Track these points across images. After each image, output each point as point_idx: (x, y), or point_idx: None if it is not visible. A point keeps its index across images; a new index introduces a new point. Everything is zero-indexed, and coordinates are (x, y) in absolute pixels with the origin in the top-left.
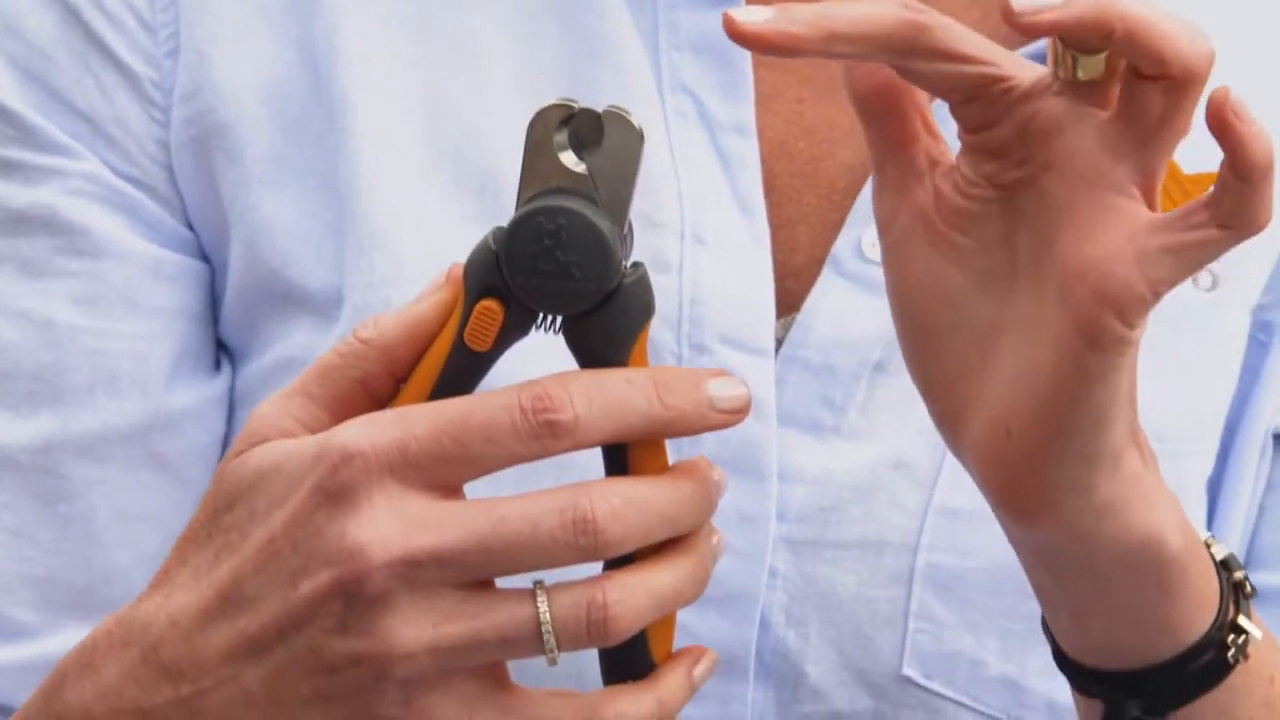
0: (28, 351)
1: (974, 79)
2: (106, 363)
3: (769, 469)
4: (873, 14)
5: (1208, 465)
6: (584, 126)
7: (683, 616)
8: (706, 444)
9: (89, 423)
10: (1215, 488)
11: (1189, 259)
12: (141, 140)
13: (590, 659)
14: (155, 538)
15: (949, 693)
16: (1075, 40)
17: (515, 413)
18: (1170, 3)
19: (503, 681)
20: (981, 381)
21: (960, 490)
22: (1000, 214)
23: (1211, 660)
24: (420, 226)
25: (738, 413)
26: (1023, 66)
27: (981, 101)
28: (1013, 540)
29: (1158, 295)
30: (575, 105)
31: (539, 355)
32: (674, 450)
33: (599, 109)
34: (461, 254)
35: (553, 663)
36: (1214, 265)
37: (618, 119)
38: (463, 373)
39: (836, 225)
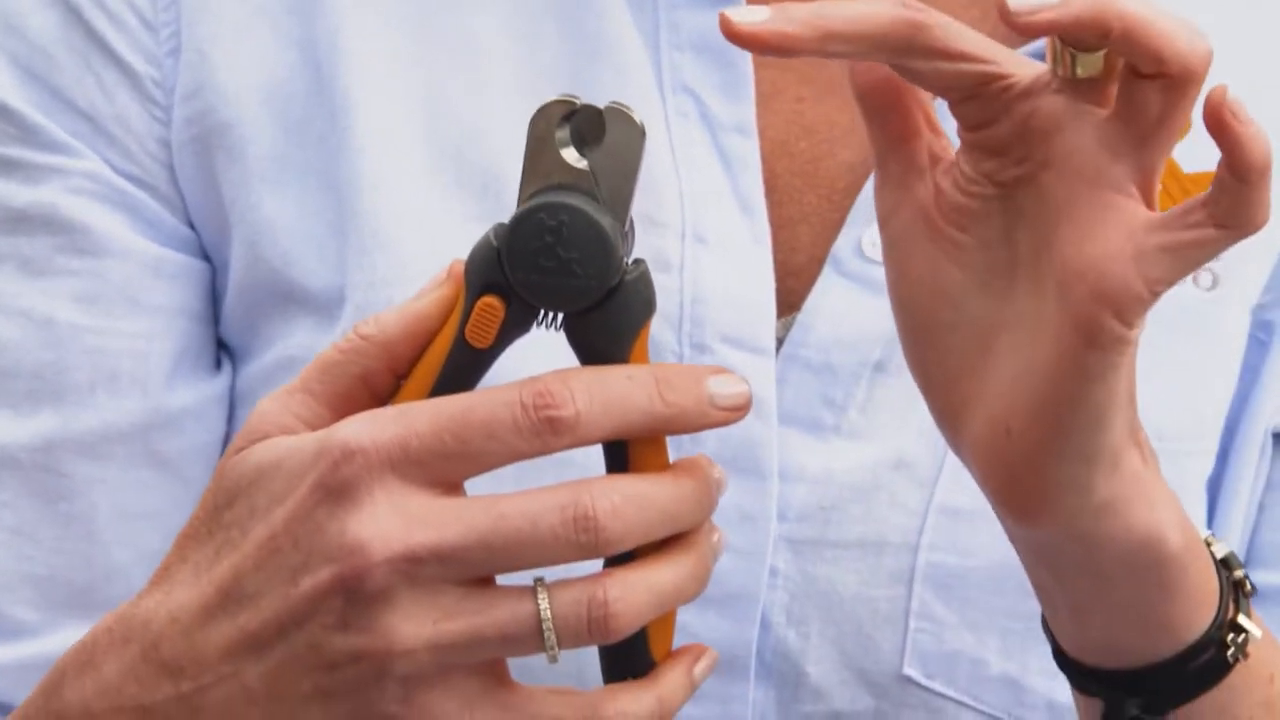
0: (28, 350)
1: (972, 77)
2: (107, 361)
3: (769, 468)
4: (869, 13)
5: (1208, 464)
6: (586, 123)
7: (683, 616)
8: (707, 443)
9: (89, 421)
10: (1215, 487)
11: (1187, 258)
12: (142, 139)
13: (590, 657)
14: (156, 536)
15: (950, 692)
16: (1073, 39)
17: (516, 409)
18: (1169, 1)
19: (503, 679)
20: (982, 379)
21: (961, 489)
22: (999, 212)
23: (1211, 659)
24: (422, 226)
25: (739, 410)
26: (1021, 64)
27: (980, 99)
28: (1013, 538)
29: (1156, 294)
30: (577, 101)
31: (540, 352)
32: (675, 449)
33: (601, 105)
34: (463, 253)
35: (553, 660)
36: (1214, 264)
37: (620, 115)
38: (464, 369)
39: (837, 224)
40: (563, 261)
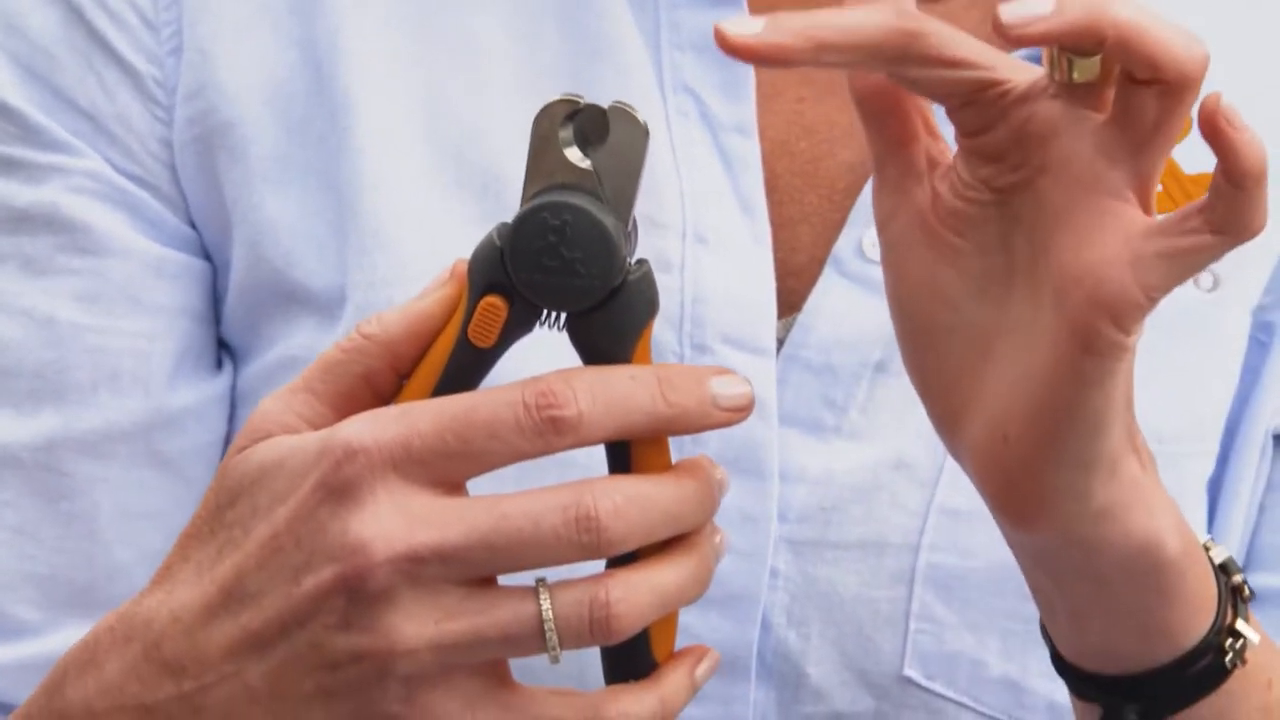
0: (30, 349)
1: (968, 84)
2: (108, 361)
3: (770, 469)
4: (864, 23)
5: (1208, 466)
6: (589, 122)
7: (685, 617)
8: (709, 443)
9: (91, 421)
10: (1216, 488)
11: (1184, 264)
12: (144, 138)
13: (591, 658)
14: (157, 536)
15: (950, 693)
16: (1068, 46)
17: (519, 409)
18: (1169, 3)
19: (505, 679)
20: (979, 385)
21: (961, 490)
22: (997, 217)
23: (1209, 664)
24: (422, 226)
25: (741, 411)
26: (1018, 69)
27: (977, 105)
28: (1011, 543)
29: (1153, 300)
30: (581, 101)
31: (543, 352)
32: (676, 449)
33: (604, 105)
34: (463, 254)
35: (555, 661)
36: (1215, 266)
37: (623, 115)
38: (466, 369)
39: (838, 225)
40: (566, 261)
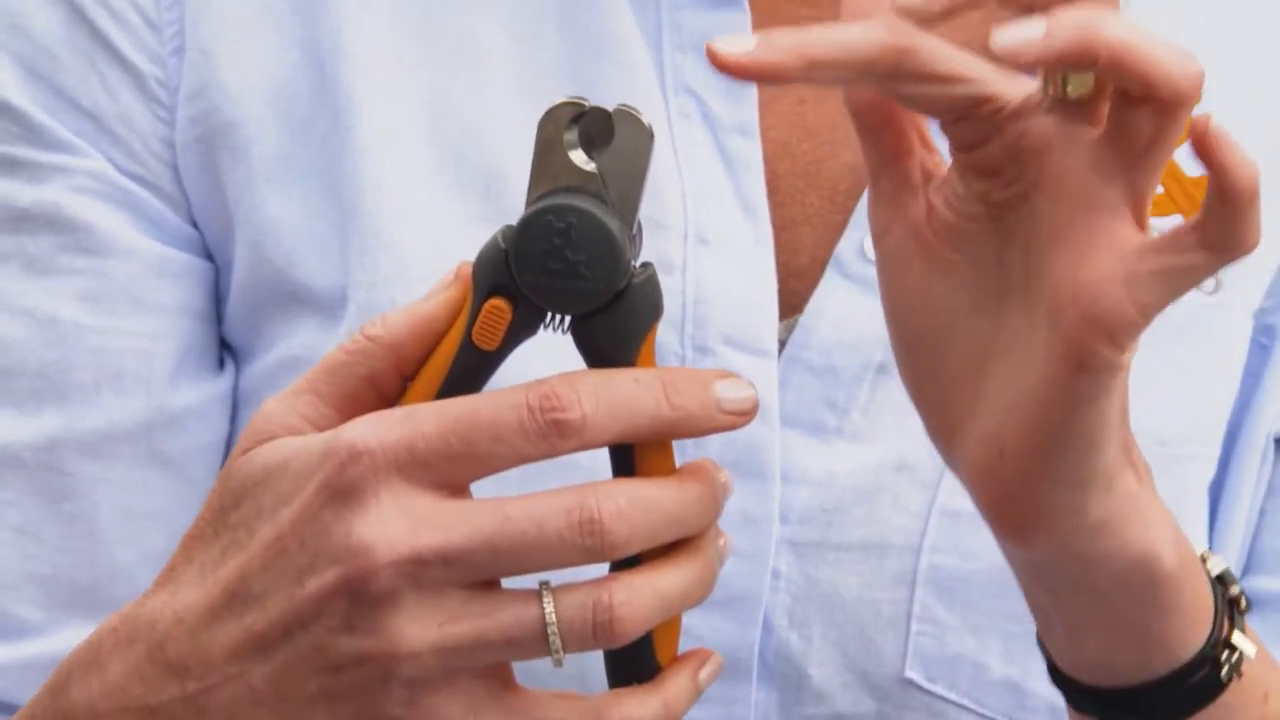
0: (32, 349)
1: (962, 99)
2: (111, 360)
3: (772, 470)
4: (856, 40)
5: (1210, 469)
6: (594, 125)
7: (686, 618)
8: (711, 445)
9: (94, 420)
10: (1217, 492)
11: (1179, 283)
12: (146, 138)
13: (592, 660)
14: (159, 536)
15: (951, 695)
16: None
17: (523, 411)
18: (1172, 4)
19: (508, 683)
20: (975, 399)
21: (963, 492)
22: (992, 232)
23: (1205, 677)
24: (424, 227)
25: (745, 414)
26: (1013, 83)
27: (971, 120)
28: (1008, 556)
29: (1148, 318)
30: (586, 104)
31: (547, 354)
32: (678, 451)
33: (609, 108)
34: (466, 254)
35: (558, 664)
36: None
37: (628, 118)
38: (470, 371)
39: (839, 226)
40: (570, 264)
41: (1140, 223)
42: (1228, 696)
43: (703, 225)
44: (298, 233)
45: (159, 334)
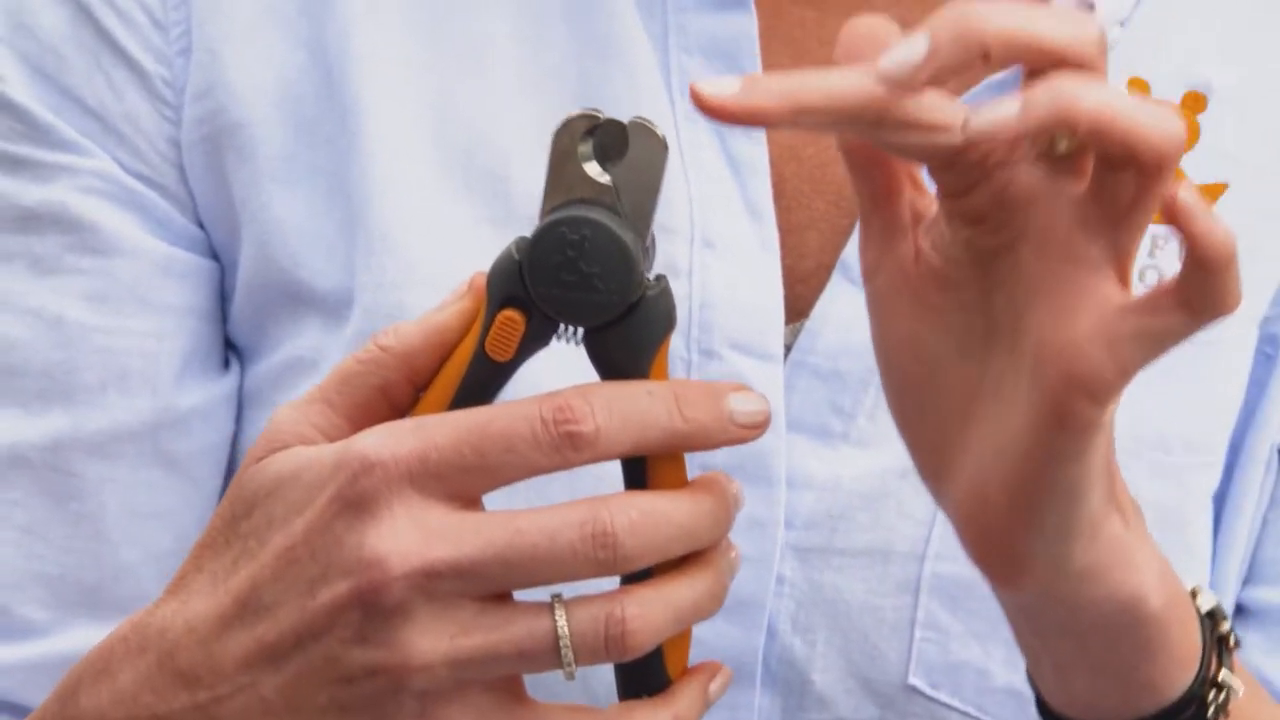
0: (38, 349)
1: (946, 148)
2: (117, 360)
3: (778, 475)
4: (843, 88)
5: (1215, 479)
6: (609, 137)
7: None
8: (717, 450)
9: (100, 421)
10: (1220, 502)
11: (1158, 344)
12: (152, 138)
13: (600, 673)
14: (165, 536)
15: (955, 703)
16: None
17: (536, 423)
18: (1186, 6)
19: (519, 695)
20: (961, 444)
21: None
22: (978, 278)
23: (1192, 717)
24: (430, 230)
25: (758, 428)
26: None
27: (957, 168)
28: (996, 596)
29: (1128, 378)
30: (601, 115)
31: (559, 366)
32: (686, 455)
33: (624, 120)
34: (472, 256)
35: (569, 677)
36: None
37: (643, 130)
38: (483, 382)
39: (846, 231)
40: (584, 276)
41: (1123, 280)
42: None
43: (709, 229)
44: (303, 233)
45: (164, 334)
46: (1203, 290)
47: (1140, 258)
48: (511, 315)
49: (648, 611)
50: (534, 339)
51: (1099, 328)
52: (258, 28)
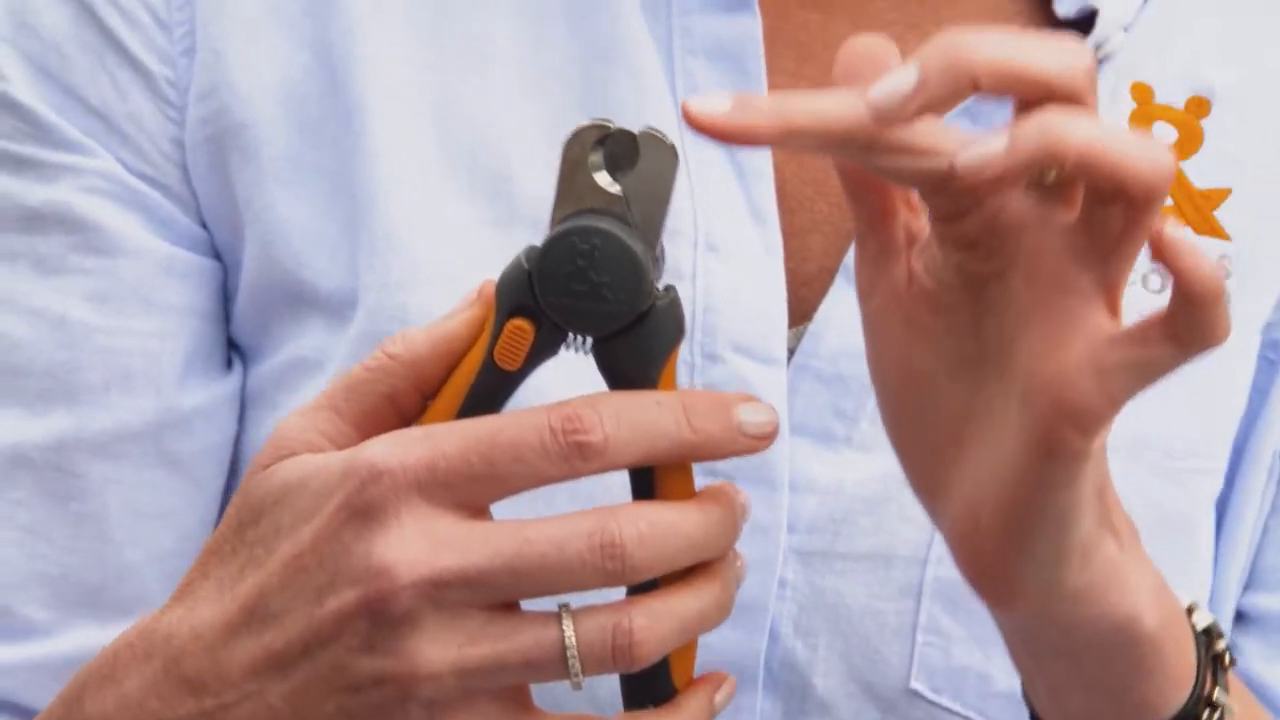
0: (41, 349)
1: (936, 173)
2: (120, 360)
3: (780, 478)
4: (835, 113)
5: (1217, 484)
6: (619, 147)
7: None
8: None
9: (103, 421)
10: (1222, 508)
11: (1146, 375)
12: (156, 138)
13: (606, 682)
14: (168, 536)
15: (956, 707)
16: None
17: (545, 433)
18: (1186, 7)
19: (526, 705)
20: (955, 466)
21: None
22: (970, 303)
23: None
24: (434, 230)
25: (766, 438)
26: None
27: (949, 193)
28: (991, 616)
29: (1116, 408)
30: (611, 125)
31: (568, 375)
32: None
33: (635, 130)
34: (474, 257)
35: (577, 687)
36: (1226, 283)
37: (653, 140)
38: (491, 391)
39: (849, 234)
40: (594, 285)
41: (1113, 310)
42: None
43: (713, 233)
44: (307, 234)
45: (167, 334)
46: (1191, 323)
47: (1141, 260)
48: (520, 324)
49: (655, 622)
50: (543, 348)
51: (1088, 357)
52: (262, 28)
